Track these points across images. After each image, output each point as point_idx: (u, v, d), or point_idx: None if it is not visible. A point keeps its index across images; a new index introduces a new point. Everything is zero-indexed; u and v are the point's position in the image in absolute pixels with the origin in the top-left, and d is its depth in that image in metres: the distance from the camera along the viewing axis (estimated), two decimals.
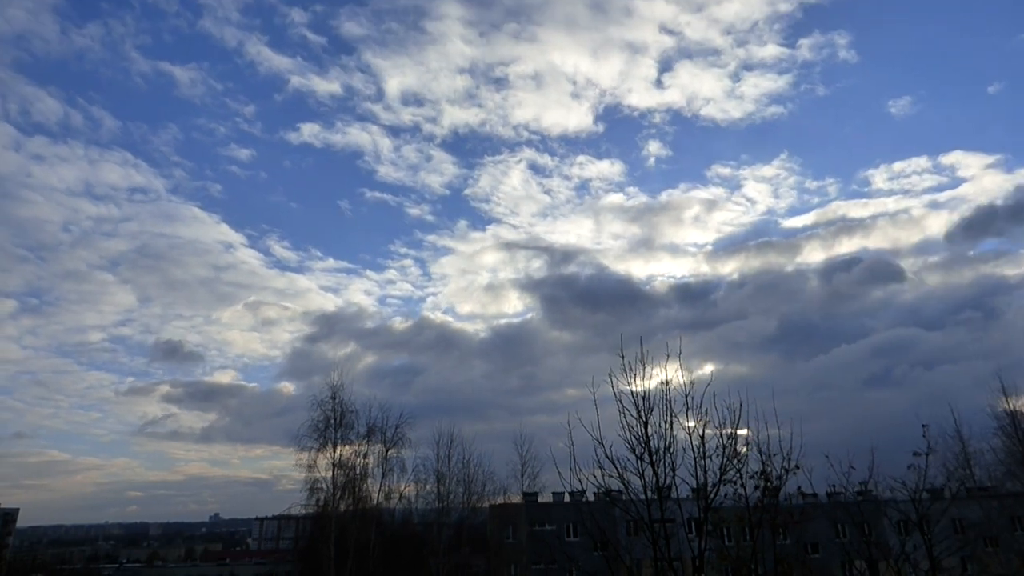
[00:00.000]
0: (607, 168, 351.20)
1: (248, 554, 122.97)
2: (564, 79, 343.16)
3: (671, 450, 12.27)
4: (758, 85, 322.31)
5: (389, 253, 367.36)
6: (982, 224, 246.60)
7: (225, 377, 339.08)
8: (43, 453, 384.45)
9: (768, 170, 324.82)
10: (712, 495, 12.16)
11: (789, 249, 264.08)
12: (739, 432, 12.64)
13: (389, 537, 48.66)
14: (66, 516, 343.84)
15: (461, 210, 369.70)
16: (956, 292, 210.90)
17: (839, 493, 18.61)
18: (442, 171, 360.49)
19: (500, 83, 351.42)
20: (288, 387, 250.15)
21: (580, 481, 12.84)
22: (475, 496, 50.42)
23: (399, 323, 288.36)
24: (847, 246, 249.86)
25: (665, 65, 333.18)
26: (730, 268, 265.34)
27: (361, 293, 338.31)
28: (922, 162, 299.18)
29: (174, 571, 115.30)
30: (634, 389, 12.64)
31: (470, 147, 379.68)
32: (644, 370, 12.75)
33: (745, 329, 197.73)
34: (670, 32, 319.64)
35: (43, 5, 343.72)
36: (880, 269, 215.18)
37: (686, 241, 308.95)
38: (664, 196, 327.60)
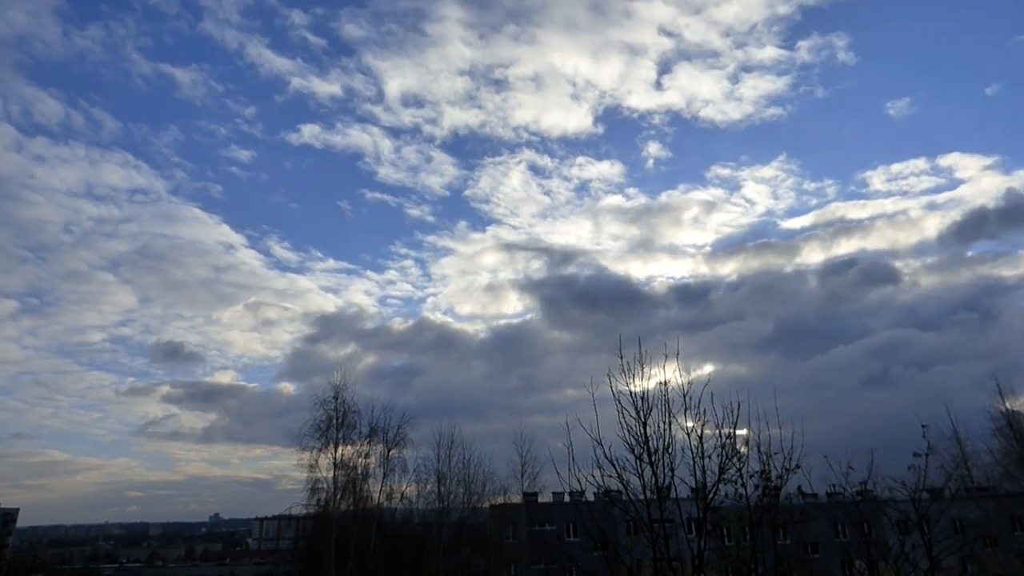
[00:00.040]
0: (607, 169, 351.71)
1: (248, 554, 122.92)
2: (564, 81, 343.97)
3: (670, 450, 12.29)
4: (757, 87, 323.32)
5: (389, 254, 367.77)
6: (978, 226, 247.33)
7: (225, 377, 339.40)
8: (43, 453, 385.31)
9: (767, 171, 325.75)
10: (711, 495, 12.18)
11: (788, 250, 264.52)
12: (738, 432, 12.69)
13: (390, 537, 48.69)
14: (66, 516, 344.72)
15: (461, 211, 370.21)
16: (953, 293, 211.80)
17: (839, 493, 18.62)
18: (442, 172, 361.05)
19: (500, 85, 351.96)
20: (288, 387, 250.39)
21: (580, 481, 12.86)
22: (475, 496, 50.54)
23: (399, 324, 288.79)
24: (845, 247, 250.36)
25: (664, 67, 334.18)
26: (729, 269, 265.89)
27: (361, 294, 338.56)
28: (920, 163, 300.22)
29: (174, 571, 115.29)
30: (633, 389, 12.68)
31: (470, 148, 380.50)
32: (643, 370, 12.79)
33: (743, 330, 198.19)
34: (669, 34, 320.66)
35: (44, 7, 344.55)
36: (877, 270, 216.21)
37: (685, 242, 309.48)
38: (664, 197, 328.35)
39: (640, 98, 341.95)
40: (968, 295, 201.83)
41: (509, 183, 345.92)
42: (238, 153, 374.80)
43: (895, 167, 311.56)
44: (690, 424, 12.45)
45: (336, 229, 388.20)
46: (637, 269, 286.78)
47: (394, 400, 61.79)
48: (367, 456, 46.00)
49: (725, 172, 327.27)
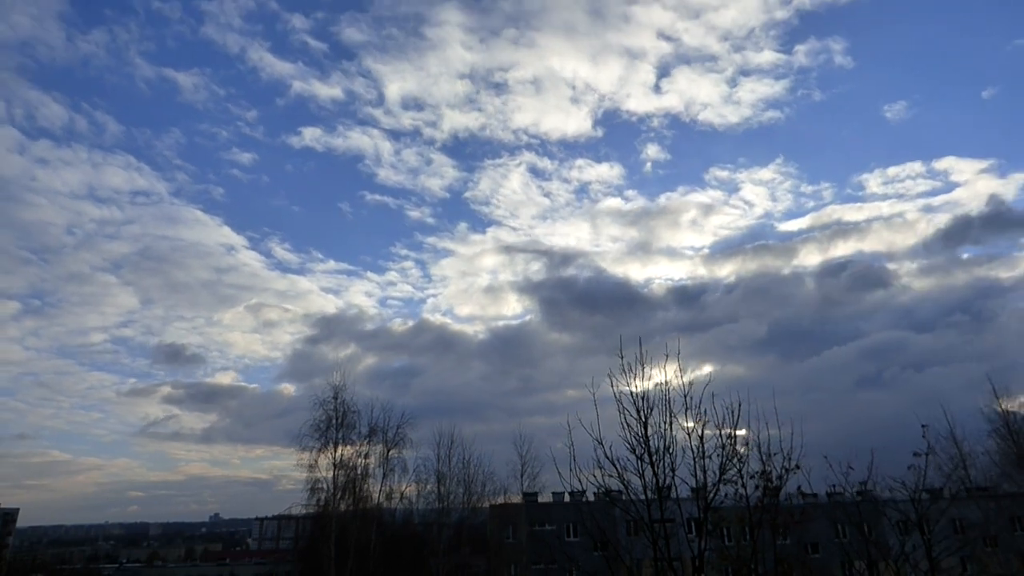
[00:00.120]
0: (606, 171, 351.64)
1: (248, 554, 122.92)
2: (563, 84, 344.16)
3: (671, 450, 12.33)
4: (755, 90, 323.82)
5: (390, 255, 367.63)
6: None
7: (226, 378, 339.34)
8: (45, 453, 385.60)
9: (765, 173, 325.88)
10: (711, 495, 12.21)
11: (785, 252, 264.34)
12: (738, 432, 12.71)
13: (389, 537, 48.67)
14: (67, 516, 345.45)
15: (461, 213, 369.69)
16: (948, 295, 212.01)
17: (839, 493, 18.65)
18: (442, 174, 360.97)
19: (500, 88, 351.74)
20: (288, 388, 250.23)
21: (580, 481, 12.92)
22: (475, 496, 50.49)
23: (399, 325, 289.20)
24: (842, 249, 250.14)
25: (663, 71, 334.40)
26: (727, 271, 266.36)
27: (362, 295, 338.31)
28: (916, 167, 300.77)
29: (174, 571, 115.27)
30: (633, 390, 12.71)
31: (470, 151, 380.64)
32: (643, 371, 12.82)
33: (741, 331, 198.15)
34: (668, 38, 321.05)
35: (48, 12, 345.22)
36: (873, 273, 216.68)
37: (683, 244, 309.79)
38: (662, 199, 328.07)
39: (639, 101, 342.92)
40: (963, 297, 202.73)
41: (509, 185, 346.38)
42: (239, 156, 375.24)
43: (891, 170, 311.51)
44: (691, 424, 12.49)
45: (337, 231, 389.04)
46: (636, 271, 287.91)
47: (394, 401, 62.10)
48: (367, 456, 46.03)
49: (723, 174, 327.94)
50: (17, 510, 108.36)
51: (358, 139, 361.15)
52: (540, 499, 53.96)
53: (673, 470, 12.33)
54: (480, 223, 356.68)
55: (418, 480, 48.95)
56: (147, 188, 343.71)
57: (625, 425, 12.52)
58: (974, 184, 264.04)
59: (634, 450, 12.38)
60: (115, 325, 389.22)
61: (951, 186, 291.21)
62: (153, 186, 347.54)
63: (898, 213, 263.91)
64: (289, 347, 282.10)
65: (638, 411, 12.49)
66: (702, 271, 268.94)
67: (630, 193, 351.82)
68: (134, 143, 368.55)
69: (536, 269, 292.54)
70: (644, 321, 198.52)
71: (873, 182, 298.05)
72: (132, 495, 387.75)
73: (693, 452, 12.35)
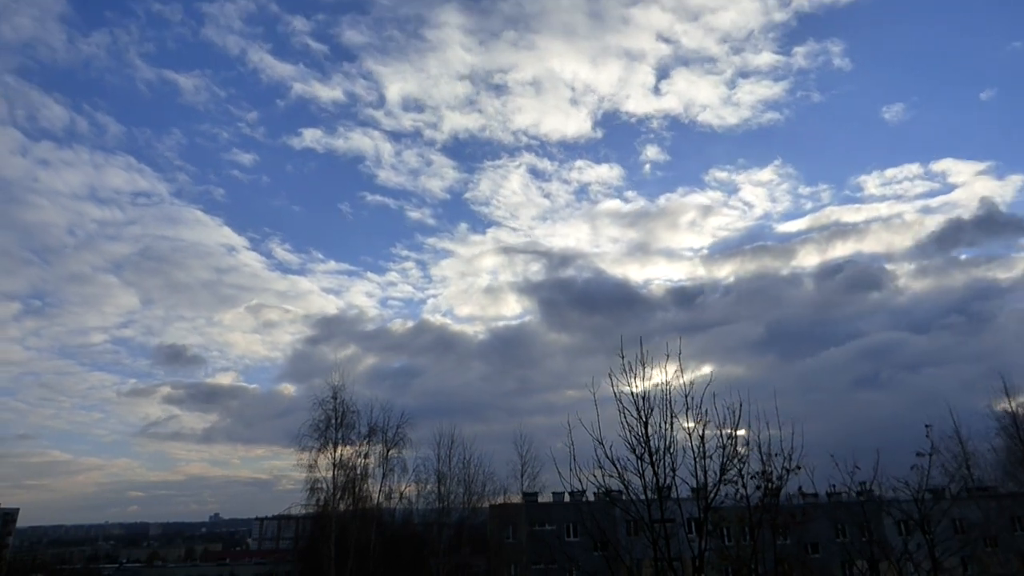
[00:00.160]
0: (606, 172, 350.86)
1: (248, 554, 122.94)
2: (563, 86, 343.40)
3: (671, 450, 12.29)
4: (754, 92, 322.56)
5: (390, 255, 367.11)
6: (969, 230, 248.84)
7: (226, 379, 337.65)
8: (45, 453, 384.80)
9: (764, 175, 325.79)
10: (712, 495, 12.17)
11: (784, 253, 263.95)
12: (738, 433, 12.66)
13: (389, 537, 48.63)
14: (67, 516, 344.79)
15: (461, 213, 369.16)
16: (945, 296, 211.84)
17: (838, 493, 18.62)
18: (443, 175, 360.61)
19: (500, 89, 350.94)
20: (289, 388, 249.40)
21: (580, 481, 12.86)
22: (475, 496, 50.43)
23: (399, 325, 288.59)
24: (840, 250, 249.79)
25: (662, 72, 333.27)
26: (726, 272, 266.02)
27: (362, 295, 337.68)
28: (914, 168, 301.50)
29: (174, 571, 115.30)
30: (634, 390, 12.67)
31: (470, 152, 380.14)
32: (644, 371, 12.79)
33: (739, 332, 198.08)
34: (667, 40, 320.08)
35: (50, 14, 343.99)
36: (871, 274, 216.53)
37: (682, 245, 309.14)
38: (662, 200, 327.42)
39: (638, 103, 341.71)
40: (961, 298, 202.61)
41: (509, 186, 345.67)
42: (240, 157, 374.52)
43: (889, 172, 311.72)
44: (691, 424, 12.44)
45: (337, 232, 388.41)
46: (635, 272, 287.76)
47: (394, 401, 61.92)
48: (366, 456, 45.97)
49: (722, 175, 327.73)
50: (17, 510, 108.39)
51: (359, 140, 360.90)
52: (540, 499, 53.94)
53: (674, 470, 12.30)
54: (480, 224, 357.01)
55: (418, 480, 48.98)
56: (148, 189, 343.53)
57: (625, 425, 12.49)
58: (972, 186, 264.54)
59: (634, 450, 12.34)
60: (116, 325, 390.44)
61: (949, 188, 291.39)
62: (154, 187, 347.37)
63: (896, 214, 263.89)
64: (289, 347, 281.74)
65: (639, 411, 12.46)
66: (701, 272, 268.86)
67: (629, 194, 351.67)
68: (135, 144, 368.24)
69: (536, 270, 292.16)
70: (643, 322, 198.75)
71: (871, 184, 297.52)
72: (132, 495, 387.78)
73: (694, 452, 12.31)
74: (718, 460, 12.26)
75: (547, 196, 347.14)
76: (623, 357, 12.88)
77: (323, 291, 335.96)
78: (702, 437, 12.28)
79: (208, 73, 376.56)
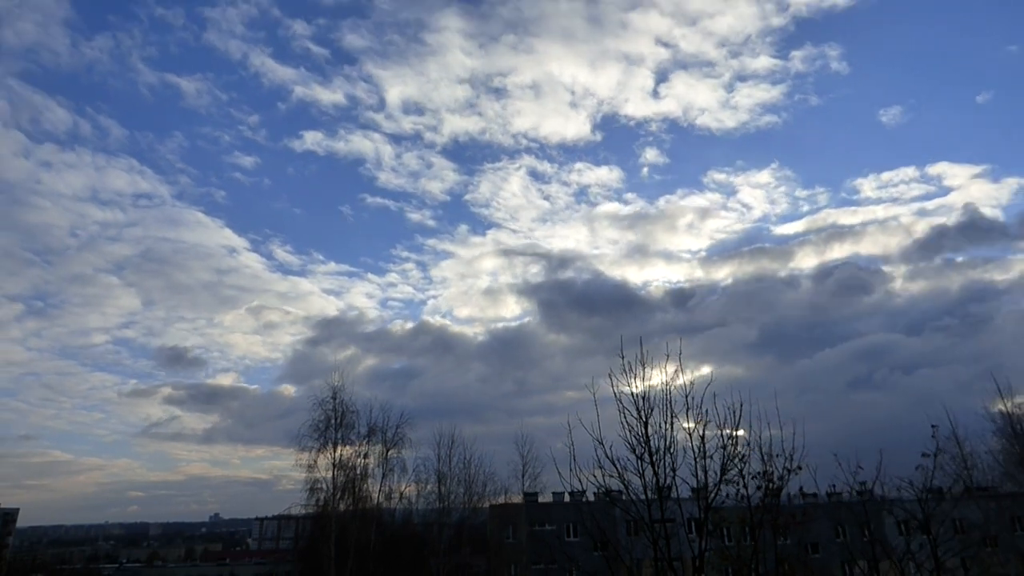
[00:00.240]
0: (605, 174, 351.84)
1: (248, 554, 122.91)
2: (562, 89, 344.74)
3: (671, 450, 12.25)
4: (752, 95, 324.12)
5: (390, 257, 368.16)
6: (966, 232, 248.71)
7: (227, 379, 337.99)
8: (46, 453, 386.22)
9: (761, 177, 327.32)
10: (712, 495, 12.12)
11: (781, 255, 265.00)
12: (739, 433, 12.61)
13: (389, 537, 48.59)
14: (67, 516, 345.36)
15: (461, 215, 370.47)
16: (942, 297, 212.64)
17: (839, 493, 18.57)
18: (443, 178, 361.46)
19: (499, 93, 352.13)
20: (289, 389, 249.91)
21: (580, 481, 12.82)
22: (476, 496, 50.43)
23: (399, 326, 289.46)
24: (837, 252, 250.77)
25: (661, 76, 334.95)
26: (724, 273, 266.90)
27: (363, 296, 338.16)
28: (910, 171, 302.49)
29: (174, 571, 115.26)
30: (633, 390, 12.64)
31: (470, 154, 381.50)
32: (643, 371, 12.75)
33: (737, 333, 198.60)
34: (665, 44, 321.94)
35: (53, 18, 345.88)
36: (868, 275, 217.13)
37: (681, 247, 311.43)
38: (661, 202, 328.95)
39: (637, 106, 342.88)
40: (957, 300, 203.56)
41: (509, 188, 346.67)
42: (242, 159, 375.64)
43: (886, 175, 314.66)
44: (691, 424, 12.40)
45: (338, 233, 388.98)
46: (633, 274, 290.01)
47: (393, 402, 61.84)
48: (366, 456, 45.95)
49: (721, 177, 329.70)
50: (17, 510, 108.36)
51: (359, 143, 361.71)
52: (540, 499, 53.89)
53: (674, 470, 12.26)
54: (480, 226, 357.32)
55: (418, 480, 48.99)
56: (150, 191, 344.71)
57: (625, 425, 12.44)
58: (967, 188, 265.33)
59: (634, 450, 12.30)
60: (117, 326, 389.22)
61: (945, 190, 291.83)
62: (156, 189, 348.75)
63: (892, 217, 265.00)
64: (290, 348, 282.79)
65: (639, 411, 12.42)
66: (699, 273, 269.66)
67: (628, 196, 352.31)
68: (137, 147, 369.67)
69: (535, 271, 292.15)
70: (642, 323, 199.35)
71: (868, 186, 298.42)
72: (132, 495, 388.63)
73: (694, 452, 12.27)
74: (718, 460, 12.23)
75: (547, 198, 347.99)
76: (623, 357, 12.86)
77: (323, 292, 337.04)
78: (702, 437, 12.25)
79: (210, 77, 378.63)
